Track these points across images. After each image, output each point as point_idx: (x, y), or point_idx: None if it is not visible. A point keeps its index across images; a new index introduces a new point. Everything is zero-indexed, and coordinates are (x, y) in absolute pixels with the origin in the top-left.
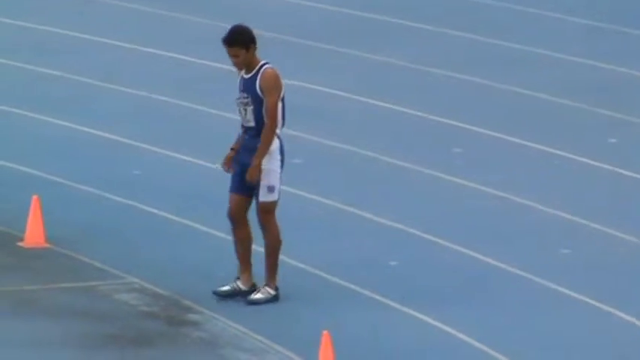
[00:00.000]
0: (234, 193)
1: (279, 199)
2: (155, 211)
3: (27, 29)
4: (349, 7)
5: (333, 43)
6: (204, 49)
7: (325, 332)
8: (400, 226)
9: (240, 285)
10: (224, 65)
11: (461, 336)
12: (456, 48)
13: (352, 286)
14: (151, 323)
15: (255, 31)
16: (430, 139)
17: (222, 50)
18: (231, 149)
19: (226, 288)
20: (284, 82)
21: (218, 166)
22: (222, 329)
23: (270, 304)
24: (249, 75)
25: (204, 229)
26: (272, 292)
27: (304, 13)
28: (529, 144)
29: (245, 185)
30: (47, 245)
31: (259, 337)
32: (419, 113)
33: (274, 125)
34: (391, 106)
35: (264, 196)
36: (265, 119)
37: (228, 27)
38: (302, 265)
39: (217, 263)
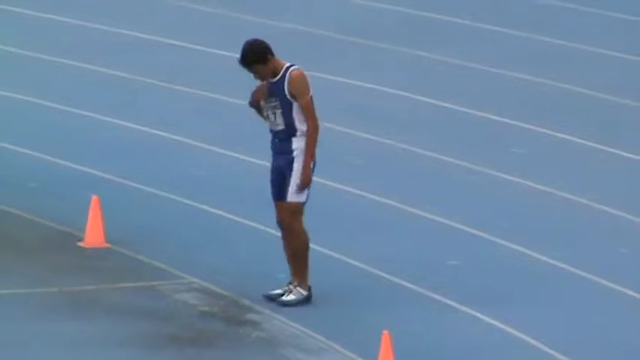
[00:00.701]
0: (276, 201)
1: (306, 201)
2: (215, 211)
3: (87, 29)
4: (407, 7)
5: (395, 42)
6: None
7: (385, 332)
8: (459, 225)
9: (301, 290)
10: None
11: (520, 335)
12: (512, 46)
13: (411, 286)
14: (210, 323)
15: (317, 32)
16: (491, 139)
17: (285, 52)
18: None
19: (278, 291)
20: (348, 82)
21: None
22: (281, 329)
23: (332, 304)
24: (276, 79)
25: (264, 229)
26: (304, 292)
27: (362, 13)
28: (587, 143)
29: (284, 191)
30: (107, 245)
31: (318, 337)
32: (480, 113)
33: (315, 123)
34: (453, 106)
35: (292, 196)
36: (300, 122)
37: (300, 29)
38: (362, 265)
39: (277, 263)
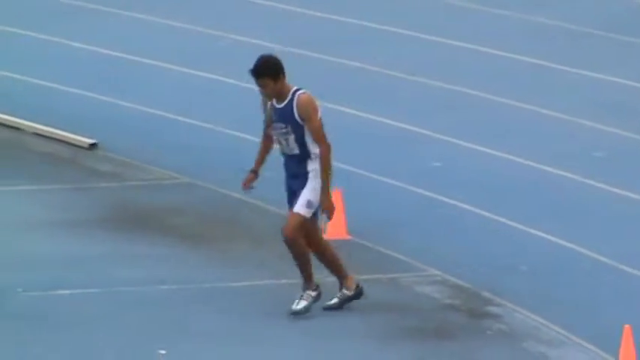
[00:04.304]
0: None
1: (310, 219)
2: (456, 203)
3: (322, 20)
4: None
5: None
6: (513, 42)
7: (627, 326)
8: None
9: (346, 292)
10: (530, 59)
11: None
12: None
13: None
14: (452, 316)
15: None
16: None
17: (528, 44)
18: (252, 171)
19: (334, 301)
20: (603, 77)
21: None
22: (522, 321)
23: (574, 297)
24: (283, 104)
25: (505, 221)
26: (313, 293)
27: (610, 5)
28: None
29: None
30: (348, 237)
31: (557, 329)
32: None
33: (326, 146)
34: None
35: (299, 207)
36: (312, 145)
37: (533, 20)
38: (607, 260)
39: (519, 255)
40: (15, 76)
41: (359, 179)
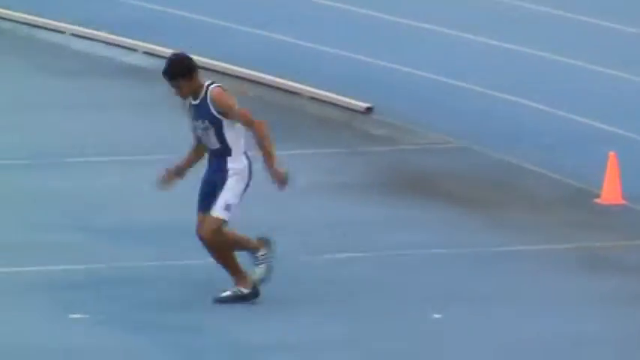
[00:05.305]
0: (199, 212)
1: (228, 221)
2: None
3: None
4: None
5: None
6: None
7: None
8: None
9: (243, 290)
10: None
11: None
12: None
13: None
14: None
15: None
16: None
17: None
18: (176, 166)
19: (227, 293)
20: None
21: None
22: None
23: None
24: (198, 101)
25: None
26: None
27: None
28: None
29: (210, 203)
30: (623, 202)
31: None
32: None
33: (258, 124)
34: None
35: (217, 211)
36: (232, 141)
37: None
38: None
39: None
40: (292, 40)
41: (635, 144)
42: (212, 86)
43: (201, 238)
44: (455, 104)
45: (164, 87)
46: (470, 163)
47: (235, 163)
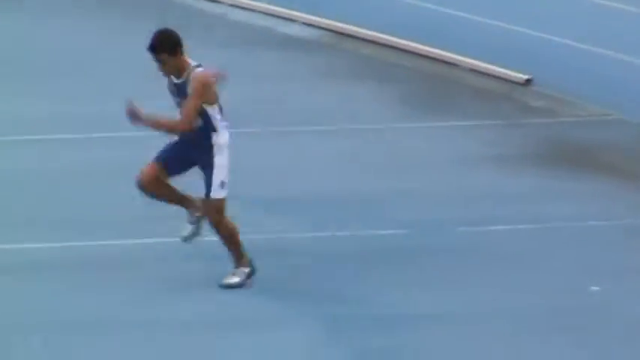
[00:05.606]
0: (158, 163)
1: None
2: None
3: None
4: None
5: None
6: None
7: None
8: None
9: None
10: None
11: None
12: None
13: None
14: None
15: None
16: None
17: None
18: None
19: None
20: None
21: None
22: None
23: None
24: (180, 79)
25: None
26: (246, 269)
27: None
28: None
29: (176, 169)
30: None
31: None
32: None
33: (183, 124)
34: None
35: (216, 192)
36: (214, 118)
37: None
38: None
39: None
40: (451, 12)
41: None
42: (199, 69)
43: (140, 187)
44: (614, 76)
45: (323, 59)
46: (627, 135)
47: (218, 138)
